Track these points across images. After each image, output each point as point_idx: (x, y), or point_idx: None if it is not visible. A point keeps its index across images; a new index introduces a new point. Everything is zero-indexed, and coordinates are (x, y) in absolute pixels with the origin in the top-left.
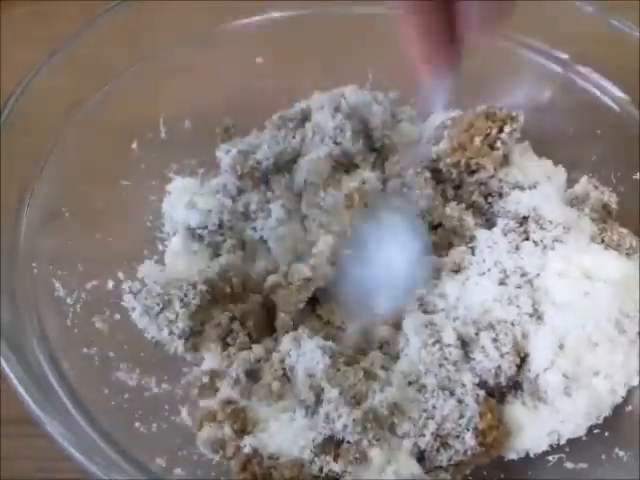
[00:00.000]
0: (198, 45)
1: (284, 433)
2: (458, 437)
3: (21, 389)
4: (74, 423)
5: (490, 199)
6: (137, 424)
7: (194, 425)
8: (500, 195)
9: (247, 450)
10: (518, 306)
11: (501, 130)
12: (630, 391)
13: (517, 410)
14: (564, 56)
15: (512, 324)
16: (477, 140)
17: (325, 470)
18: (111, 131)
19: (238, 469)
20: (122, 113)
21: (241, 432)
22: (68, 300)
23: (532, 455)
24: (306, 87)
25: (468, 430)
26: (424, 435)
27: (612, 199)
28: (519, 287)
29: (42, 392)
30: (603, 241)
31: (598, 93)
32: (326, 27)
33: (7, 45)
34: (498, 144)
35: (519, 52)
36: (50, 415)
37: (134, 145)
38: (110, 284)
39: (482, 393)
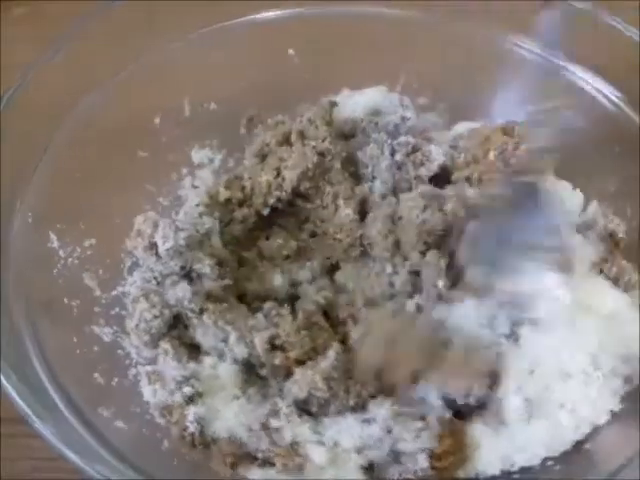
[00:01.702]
0: (235, 30)
1: (228, 409)
2: (411, 456)
3: None
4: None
5: None
6: (96, 375)
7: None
8: None
9: (190, 419)
10: (495, 326)
11: (517, 147)
12: (594, 430)
13: (477, 429)
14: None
15: (486, 345)
16: (492, 155)
17: (261, 454)
18: (134, 109)
19: (178, 436)
20: (148, 93)
21: (190, 400)
22: (61, 252)
23: (480, 478)
24: (336, 83)
25: (423, 451)
26: (377, 449)
27: (620, 228)
28: (502, 306)
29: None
30: (602, 271)
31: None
32: (363, 25)
33: (7, 45)
34: (513, 161)
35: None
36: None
37: (157, 120)
38: (109, 247)
39: (448, 415)
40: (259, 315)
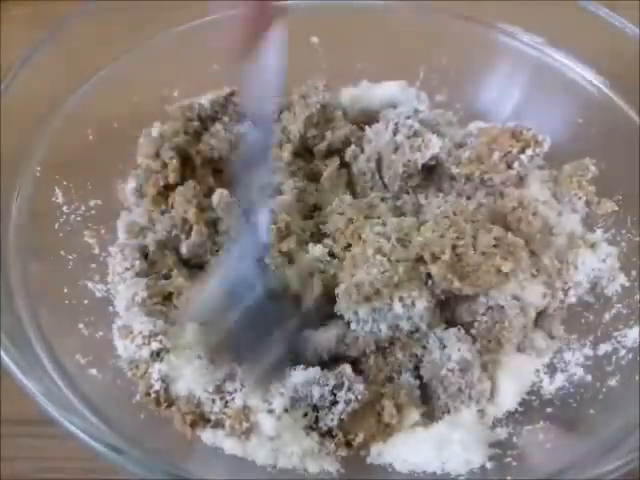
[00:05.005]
0: None
1: (189, 367)
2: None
3: None
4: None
5: None
6: (80, 325)
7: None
8: None
9: (155, 377)
10: None
11: (523, 151)
12: None
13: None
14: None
15: None
16: (496, 155)
17: (214, 416)
18: (153, 83)
19: (143, 392)
20: (170, 68)
21: (157, 355)
22: (64, 208)
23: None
24: (356, 74)
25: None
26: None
27: None
28: None
29: None
30: None
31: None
32: (390, 20)
33: (7, 45)
34: (516, 164)
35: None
36: None
37: (175, 93)
38: (114, 209)
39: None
40: None
